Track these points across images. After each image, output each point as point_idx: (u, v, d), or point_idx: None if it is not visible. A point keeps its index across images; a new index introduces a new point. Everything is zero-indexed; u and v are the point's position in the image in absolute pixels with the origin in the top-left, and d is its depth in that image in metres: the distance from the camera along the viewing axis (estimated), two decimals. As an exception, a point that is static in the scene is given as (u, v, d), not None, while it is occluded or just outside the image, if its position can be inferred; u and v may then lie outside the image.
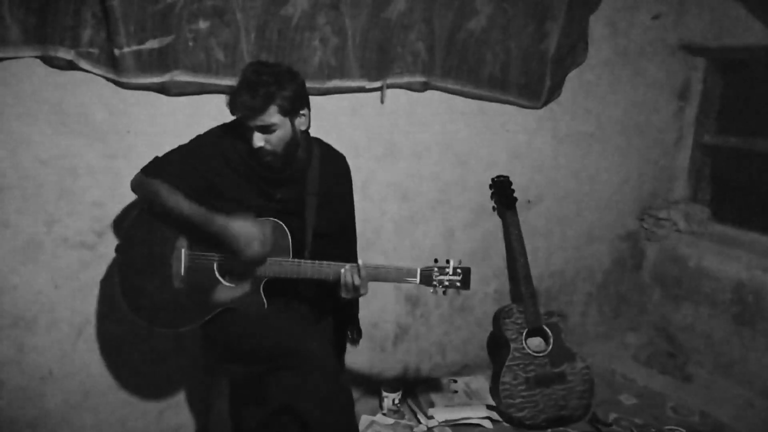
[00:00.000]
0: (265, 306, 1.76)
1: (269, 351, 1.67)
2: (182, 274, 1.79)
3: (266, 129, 1.71)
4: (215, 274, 1.79)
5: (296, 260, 1.76)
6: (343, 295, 1.74)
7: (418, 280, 1.77)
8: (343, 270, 1.73)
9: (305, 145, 1.85)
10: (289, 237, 1.77)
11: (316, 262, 1.75)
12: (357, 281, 1.72)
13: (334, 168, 1.94)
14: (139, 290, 1.78)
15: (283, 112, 1.72)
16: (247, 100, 1.67)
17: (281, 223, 1.77)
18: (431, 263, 1.79)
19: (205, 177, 1.78)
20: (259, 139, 1.71)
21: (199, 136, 1.84)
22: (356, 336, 2.08)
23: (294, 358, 1.63)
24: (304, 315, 1.88)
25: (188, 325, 1.77)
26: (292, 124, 1.76)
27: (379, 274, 1.76)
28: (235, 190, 1.80)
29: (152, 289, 1.77)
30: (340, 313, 2.00)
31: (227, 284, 1.79)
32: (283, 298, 1.83)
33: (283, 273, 1.75)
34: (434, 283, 1.77)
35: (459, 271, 1.77)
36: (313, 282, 1.80)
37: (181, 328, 1.78)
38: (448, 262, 1.78)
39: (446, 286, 1.77)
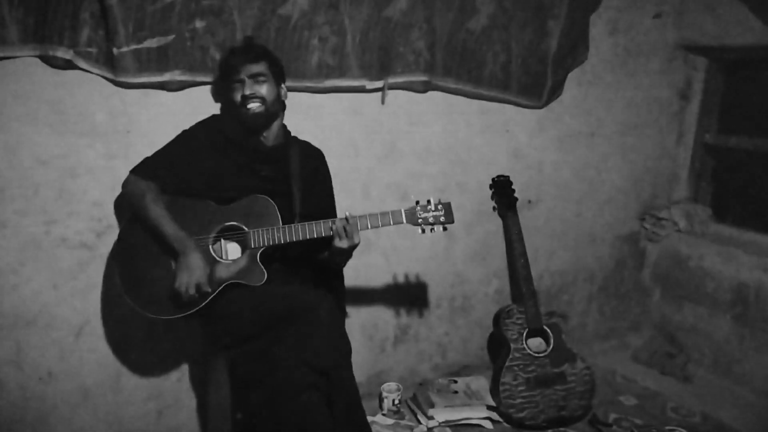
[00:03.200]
0: (266, 275, 1.81)
1: (273, 313, 1.72)
2: None
3: (257, 77, 1.86)
4: (212, 254, 1.84)
5: (285, 225, 1.83)
6: (338, 244, 1.82)
7: (404, 219, 1.87)
8: (332, 224, 1.83)
9: (283, 128, 2.01)
10: (277, 209, 1.84)
11: (306, 223, 1.83)
12: (349, 228, 1.82)
13: (313, 158, 2.06)
14: (141, 282, 1.81)
15: (272, 70, 1.90)
16: (242, 51, 1.89)
17: (266, 197, 1.86)
18: (414, 203, 1.89)
19: (194, 165, 1.87)
20: (250, 86, 1.86)
21: (184, 130, 1.94)
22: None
23: (303, 314, 1.68)
24: (304, 280, 1.96)
25: (194, 307, 1.79)
26: (277, 86, 1.93)
27: (367, 221, 1.85)
28: (223, 171, 1.88)
29: (154, 279, 1.81)
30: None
31: (225, 261, 1.84)
32: (282, 266, 1.89)
33: (274, 239, 1.82)
34: (419, 220, 1.87)
35: (440, 206, 1.89)
36: (307, 246, 1.90)
37: (187, 311, 1.79)
38: (428, 201, 1.89)
39: (431, 224, 1.88)
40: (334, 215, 2.09)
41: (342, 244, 1.83)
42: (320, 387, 1.67)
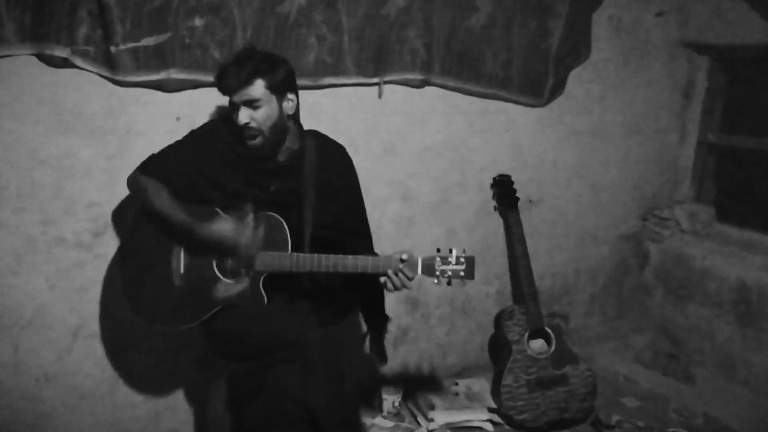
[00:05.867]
0: (265, 301, 1.75)
1: (268, 344, 1.67)
2: (182, 272, 1.79)
3: (252, 103, 1.69)
4: (214, 271, 1.79)
5: (294, 253, 1.74)
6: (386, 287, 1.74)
7: (419, 270, 1.72)
8: (378, 261, 1.70)
9: (296, 135, 1.84)
10: (287, 230, 1.74)
11: (317, 255, 1.72)
12: (410, 274, 1.69)
13: (332, 159, 1.91)
14: (140, 290, 1.79)
15: (270, 88, 1.70)
16: (234, 71, 1.68)
17: (278, 216, 1.75)
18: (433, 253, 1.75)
19: (200, 171, 1.79)
20: (244, 116, 1.69)
21: (192, 131, 1.85)
22: (377, 349, 2.08)
23: (292, 350, 1.63)
24: (306, 310, 1.86)
25: (189, 323, 1.77)
26: (279, 105, 1.74)
27: (379, 264, 1.72)
28: (229, 182, 1.80)
29: (153, 288, 1.78)
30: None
31: (227, 281, 1.79)
32: (284, 294, 1.83)
33: (280, 266, 1.72)
34: (437, 273, 1.72)
35: (462, 260, 1.72)
36: (317, 277, 1.82)
37: (182, 326, 1.78)
38: (450, 251, 1.73)
39: (450, 277, 1.73)
40: (362, 223, 1.99)
41: (389, 288, 1.72)
42: (306, 421, 1.63)
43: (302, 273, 1.75)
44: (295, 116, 1.83)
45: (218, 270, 1.79)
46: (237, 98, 1.70)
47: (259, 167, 1.81)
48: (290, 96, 1.77)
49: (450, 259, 1.72)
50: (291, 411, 1.61)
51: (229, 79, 1.68)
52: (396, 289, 1.72)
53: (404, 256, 1.69)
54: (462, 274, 1.72)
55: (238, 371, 1.73)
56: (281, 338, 1.67)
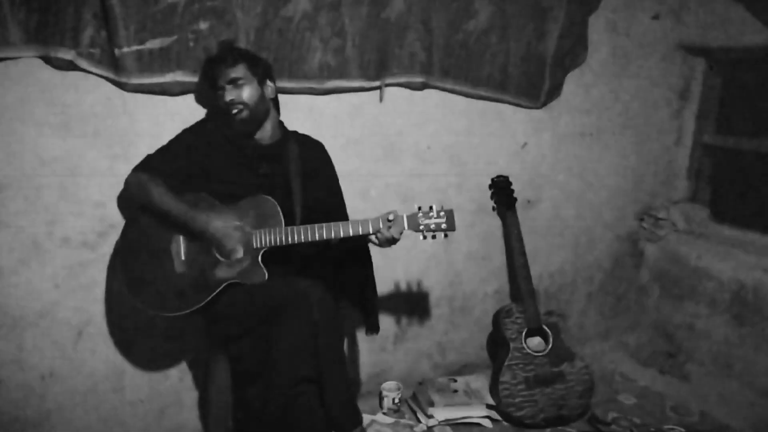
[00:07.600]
0: (266, 276, 1.83)
1: (271, 304, 1.74)
2: (183, 258, 1.86)
3: (235, 82, 1.86)
4: (214, 254, 1.86)
5: (289, 227, 1.83)
6: (374, 241, 1.88)
7: (405, 225, 1.84)
8: (368, 223, 1.83)
9: (277, 124, 2.01)
10: (279, 209, 1.85)
11: (306, 226, 1.82)
12: (398, 230, 1.83)
13: (313, 153, 2.06)
14: (144, 280, 1.85)
15: (252, 71, 1.89)
16: (219, 56, 1.89)
17: (269, 197, 1.86)
18: (415, 210, 1.87)
19: (195, 162, 1.90)
20: (230, 93, 1.86)
21: (185, 129, 1.97)
22: (372, 323, 2.12)
23: (294, 307, 1.70)
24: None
25: (195, 305, 1.83)
26: (261, 87, 1.91)
27: (369, 226, 1.84)
28: (222, 170, 1.91)
29: (156, 278, 1.84)
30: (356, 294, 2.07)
31: (227, 261, 1.86)
32: (284, 267, 1.91)
33: (277, 240, 1.82)
34: (421, 227, 1.85)
35: (442, 213, 1.85)
36: (313, 251, 1.93)
37: (188, 309, 1.82)
38: (431, 207, 1.86)
39: (433, 230, 1.85)
40: (341, 206, 2.11)
41: (384, 245, 1.87)
42: (312, 379, 1.71)
43: (298, 247, 1.85)
44: (275, 102, 2.00)
45: (217, 252, 1.86)
46: (222, 80, 1.86)
47: (247, 151, 1.92)
48: (269, 83, 1.95)
49: (431, 213, 1.85)
50: (293, 372, 1.68)
51: (215, 63, 1.88)
52: (386, 243, 1.86)
53: (390, 216, 1.83)
54: (444, 226, 1.85)
55: (239, 352, 1.79)
56: (284, 295, 1.74)
